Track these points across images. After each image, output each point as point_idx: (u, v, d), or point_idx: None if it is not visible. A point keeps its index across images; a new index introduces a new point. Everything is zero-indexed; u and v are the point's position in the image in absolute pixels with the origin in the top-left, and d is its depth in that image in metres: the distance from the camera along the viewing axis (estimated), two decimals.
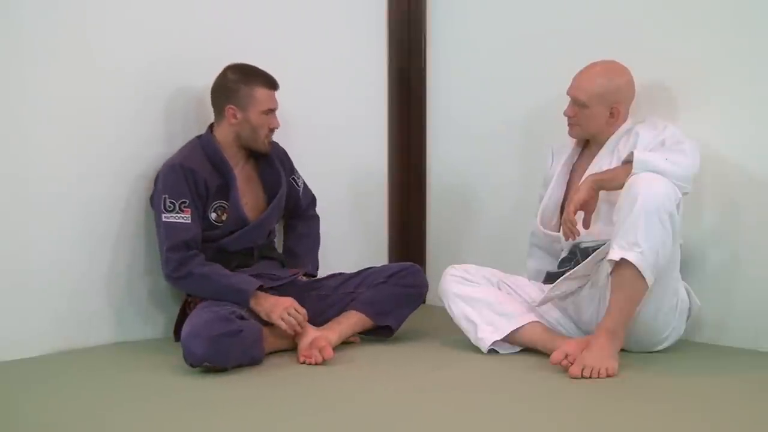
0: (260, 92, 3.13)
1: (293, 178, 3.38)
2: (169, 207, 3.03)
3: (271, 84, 3.17)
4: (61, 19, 3.04)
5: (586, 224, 2.93)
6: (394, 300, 3.22)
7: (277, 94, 3.19)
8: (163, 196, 3.04)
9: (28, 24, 2.97)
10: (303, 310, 3.01)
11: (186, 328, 2.82)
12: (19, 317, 2.98)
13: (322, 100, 3.73)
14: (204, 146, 3.15)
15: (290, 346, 3.04)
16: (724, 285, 3.11)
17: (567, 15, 3.53)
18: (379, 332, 3.24)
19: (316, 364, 2.89)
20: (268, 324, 3.00)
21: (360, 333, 3.21)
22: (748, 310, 3.07)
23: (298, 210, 3.42)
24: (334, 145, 3.76)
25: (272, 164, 3.27)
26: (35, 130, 3.01)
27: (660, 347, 2.99)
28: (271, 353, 2.99)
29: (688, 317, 3.02)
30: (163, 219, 3.02)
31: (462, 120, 3.92)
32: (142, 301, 3.25)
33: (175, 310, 3.19)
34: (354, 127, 3.88)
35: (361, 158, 3.95)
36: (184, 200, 3.04)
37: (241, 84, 3.13)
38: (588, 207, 2.90)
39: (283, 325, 2.97)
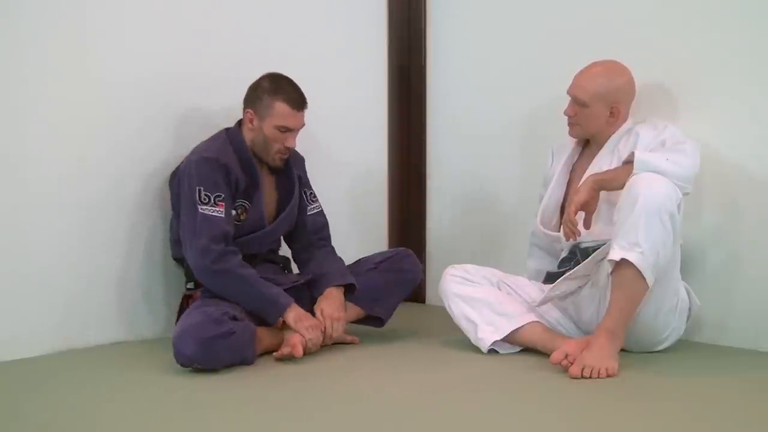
0: (280, 107, 3.09)
1: (305, 191, 3.32)
2: (205, 199, 2.98)
3: (295, 103, 3.10)
4: (62, 22, 3.04)
5: (587, 224, 2.93)
6: (384, 286, 3.23)
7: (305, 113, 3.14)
8: (198, 188, 2.98)
9: (27, 27, 2.97)
10: (319, 333, 3.00)
11: (177, 328, 2.82)
12: (19, 317, 2.98)
13: (322, 98, 3.68)
14: (233, 142, 3.12)
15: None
16: (724, 285, 3.11)
17: (567, 15, 3.53)
18: (370, 322, 3.26)
19: (282, 358, 2.92)
20: (263, 324, 3.00)
21: (352, 322, 3.21)
22: (748, 310, 3.07)
23: (303, 231, 3.31)
24: (334, 143, 3.76)
25: (289, 174, 3.25)
26: (35, 131, 3.00)
27: (660, 347, 2.99)
28: (269, 353, 2.98)
29: (688, 317, 3.02)
30: (200, 210, 2.96)
31: (462, 119, 3.92)
32: (141, 301, 3.26)
33: (175, 310, 3.18)
34: (354, 125, 3.88)
35: (361, 157, 3.95)
36: (219, 194, 3.00)
37: (266, 94, 3.10)
38: (589, 207, 2.89)
39: (306, 335, 2.96)
